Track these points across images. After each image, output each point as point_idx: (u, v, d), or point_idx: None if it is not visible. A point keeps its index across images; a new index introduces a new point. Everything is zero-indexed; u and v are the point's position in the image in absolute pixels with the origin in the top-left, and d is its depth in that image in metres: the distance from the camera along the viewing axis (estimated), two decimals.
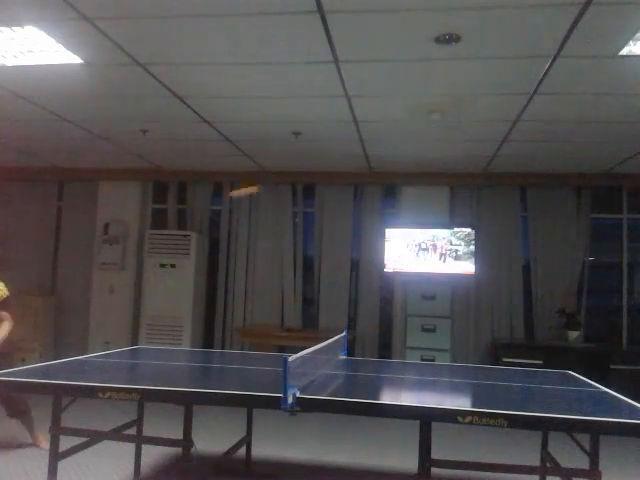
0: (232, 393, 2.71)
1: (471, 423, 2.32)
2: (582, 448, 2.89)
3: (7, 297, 4.05)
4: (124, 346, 5.12)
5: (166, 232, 7.21)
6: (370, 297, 7.04)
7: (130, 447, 3.89)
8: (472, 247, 6.49)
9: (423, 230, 6.62)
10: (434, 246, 6.57)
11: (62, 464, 3.02)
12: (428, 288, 6.62)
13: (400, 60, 3.65)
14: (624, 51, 3.35)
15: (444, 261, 6.54)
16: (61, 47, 3.57)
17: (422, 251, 6.59)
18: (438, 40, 3.30)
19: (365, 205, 7.15)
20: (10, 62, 3.83)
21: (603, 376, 5.60)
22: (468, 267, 6.48)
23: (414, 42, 3.36)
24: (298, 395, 2.43)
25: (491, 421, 2.31)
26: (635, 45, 3.27)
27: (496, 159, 6.12)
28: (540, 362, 5.95)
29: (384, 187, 7.16)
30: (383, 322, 7.07)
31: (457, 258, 6.51)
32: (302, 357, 2.68)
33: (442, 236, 6.57)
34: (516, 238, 6.86)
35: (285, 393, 2.34)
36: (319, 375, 3.05)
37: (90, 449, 3.26)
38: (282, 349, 6.49)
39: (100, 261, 7.27)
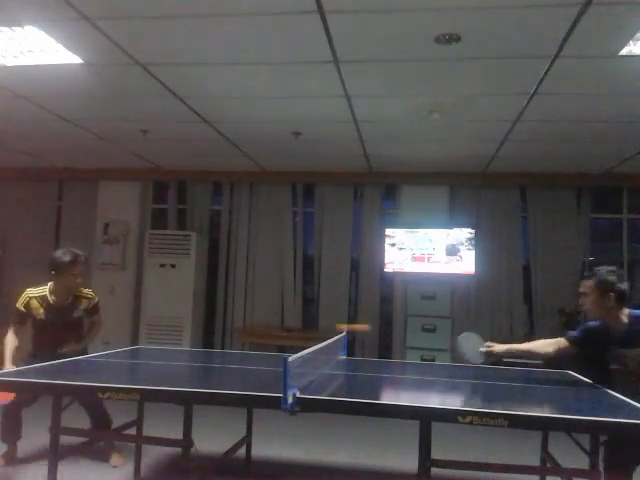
0: (232, 393, 2.70)
1: (471, 423, 2.32)
2: (582, 448, 2.89)
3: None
4: (124, 346, 5.12)
5: (166, 232, 7.21)
6: (370, 297, 7.03)
7: (130, 447, 3.89)
8: (472, 247, 6.49)
9: (423, 230, 6.62)
10: (434, 246, 6.56)
11: (62, 464, 3.01)
12: (428, 288, 6.60)
13: (400, 60, 3.65)
14: (624, 51, 3.35)
15: (444, 261, 6.53)
16: (61, 47, 3.57)
17: (422, 251, 6.59)
18: (438, 40, 3.30)
19: (365, 205, 7.15)
20: (10, 62, 3.83)
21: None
22: (468, 267, 6.48)
23: (414, 42, 3.36)
24: (298, 395, 2.42)
25: (491, 421, 2.30)
26: (635, 45, 3.27)
27: (496, 159, 6.12)
28: (540, 362, 5.94)
29: (384, 187, 7.17)
30: (383, 322, 7.07)
31: (457, 258, 6.50)
32: (302, 357, 2.67)
33: (442, 236, 6.57)
34: (516, 238, 6.86)
35: (285, 393, 2.34)
36: (319, 375, 3.05)
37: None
38: (282, 349, 6.49)
39: (100, 261, 7.26)
